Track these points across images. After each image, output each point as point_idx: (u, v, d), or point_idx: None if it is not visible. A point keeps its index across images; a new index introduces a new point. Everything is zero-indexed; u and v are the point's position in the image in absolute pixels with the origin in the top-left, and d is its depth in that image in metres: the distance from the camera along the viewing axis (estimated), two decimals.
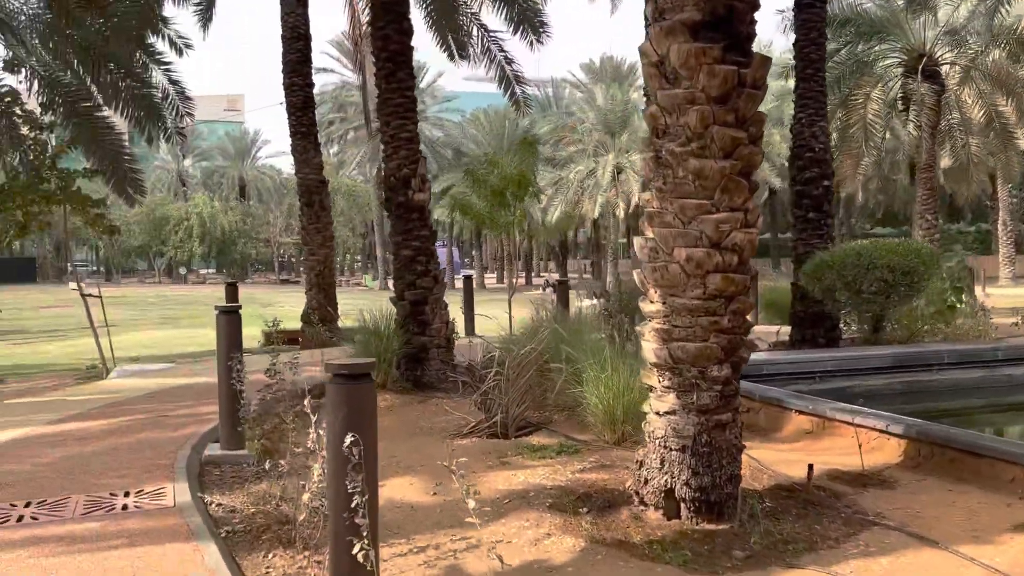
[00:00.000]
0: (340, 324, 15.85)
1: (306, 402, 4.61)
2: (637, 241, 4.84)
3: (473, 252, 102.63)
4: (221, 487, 5.92)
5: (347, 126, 58.44)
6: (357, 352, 9.21)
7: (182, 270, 71.25)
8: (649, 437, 4.82)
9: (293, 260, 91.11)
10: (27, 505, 5.23)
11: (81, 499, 5.34)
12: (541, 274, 76.09)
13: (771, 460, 5.89)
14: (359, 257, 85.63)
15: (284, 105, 15.19)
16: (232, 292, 13.43)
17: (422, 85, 58.72)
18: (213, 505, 5.46)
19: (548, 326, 9.83)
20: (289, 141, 15.38)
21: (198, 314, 32.82)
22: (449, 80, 63.44)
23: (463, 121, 60.24)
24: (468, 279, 18.41)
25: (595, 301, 37.34)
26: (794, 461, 5.91)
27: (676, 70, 4.51)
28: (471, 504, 3.42)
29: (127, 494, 5.44)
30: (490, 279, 63.70)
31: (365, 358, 8.41)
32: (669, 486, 4.67)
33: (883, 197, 56.01)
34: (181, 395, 9.41)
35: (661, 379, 4.71)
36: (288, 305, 36.78)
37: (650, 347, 4.74)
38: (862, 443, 5.73)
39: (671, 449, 4.66)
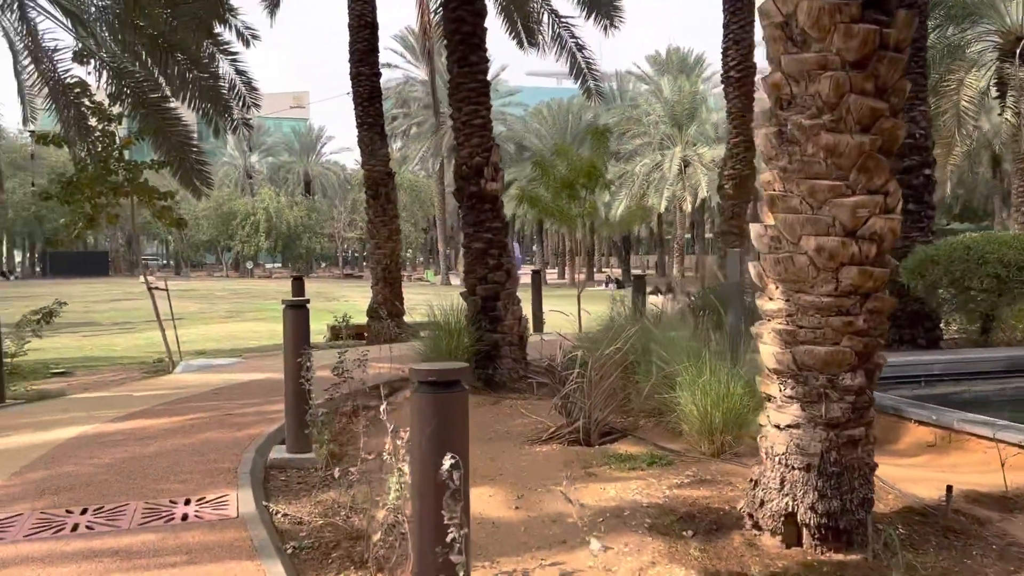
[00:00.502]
0: (406, 319, 15.51)
1: (382, 408, 4.12)
2: (754, 229, 4.25)
3: (534, 247, 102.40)
4: (287, 494, 5.51)
5: (410, 121, 58.45)
6: (427, 349, 8.77)
7: (248, 264, 72.23)
8: (767, 453, 4.23)
9: (356, 255, 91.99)
10: (83, 512, 4.88)
11: (140, 506, 4.97)
12: (602, 270, 75.28)
13: (894, 477, 5.24)
14: (420, 252, 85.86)
15: (350, 96, 14.86)
16: (299, 286, 13.14)
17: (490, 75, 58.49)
18: (279, 516, 5.04)
19: (627, 324, 9.29)
20: (355, 134, 15.09)
21: (264, 308, 32.97)
22: (511, 75, 63.00)
23: (525, 115, 59.75)
24: (536, 274, 17.88)
25: (663, 297, 36.26)
26: (920, 479, 5.25)
27: (805, 31, 3.91)
28: (595, 546, 2.89)
29: (188, 502, 5.06)
30: (551, 274, 63.13)
31: (447, 361, 7.97)
32: (790, 509, 4.08)
33: (962, 191, 53.84)
34: (247, 392, 9.10)
35: (782, 387, 4.12)
36: (352, 299, 36.84)
37: (769, 351, 4.15)
38: (1004, 460, 5.04)
39: (793, 468, 4.07)
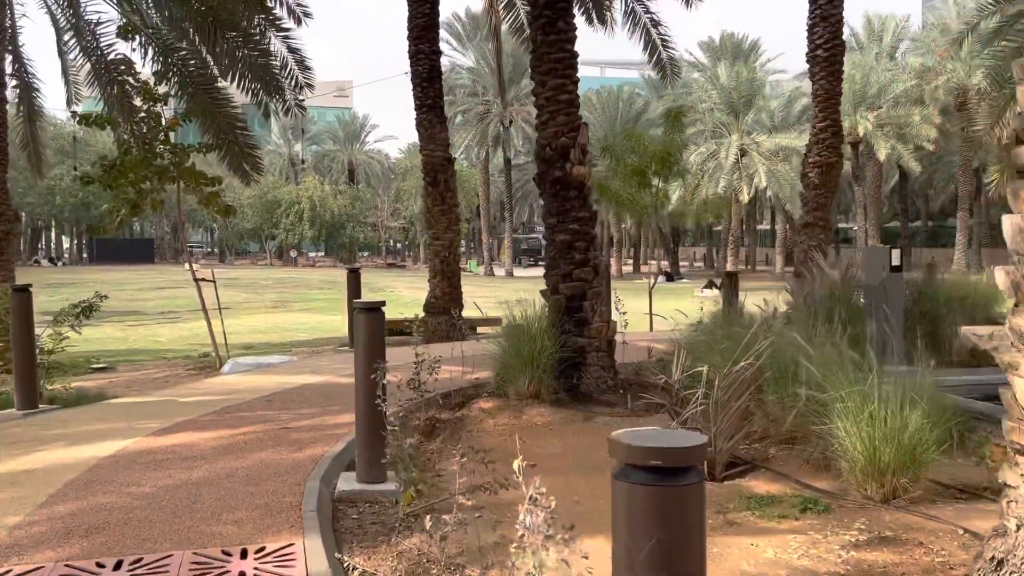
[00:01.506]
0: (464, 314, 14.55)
1: (521, 466, 3.11)
2: (1011, 222, 3.15)
3: None
4: (362, 540, 4.52)
5: (455, 109, 57.50)
6: (503, 354, 7.74)
7: (292, 253, 71.95)
8: (1020, 523, 3.14)
9: (399, 244, 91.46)
10: (117, 567, 3.94)
11: (186, 558, 4.03)
12: (647, 261, 73.80)
13: None
14: (463, 242, 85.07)
15: (408, 75, 13.88)
16: (355, 280, 12.16)
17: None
18: (355, 574, 4.07)
19: (719, 326, 8.21)
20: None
21: (310, 298, 32.30)
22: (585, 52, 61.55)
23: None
24: (606, 267, 16.69)
25: (713, 291, 34.92)
26: None
27: None
28: None
29: (244, 554, 4.09)
30: None
31: (531, 370, 6.93)
32: None
33: None
34: (302, 399, 8.16)
35: None
36: (398, 290, 36.04)
37: None
38: None
39: None
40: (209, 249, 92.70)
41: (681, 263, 63.20)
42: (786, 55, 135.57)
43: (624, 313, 9.02)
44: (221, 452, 6.06)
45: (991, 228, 57.37)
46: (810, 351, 5.53)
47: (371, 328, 5.23)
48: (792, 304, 8.83)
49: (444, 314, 13.80)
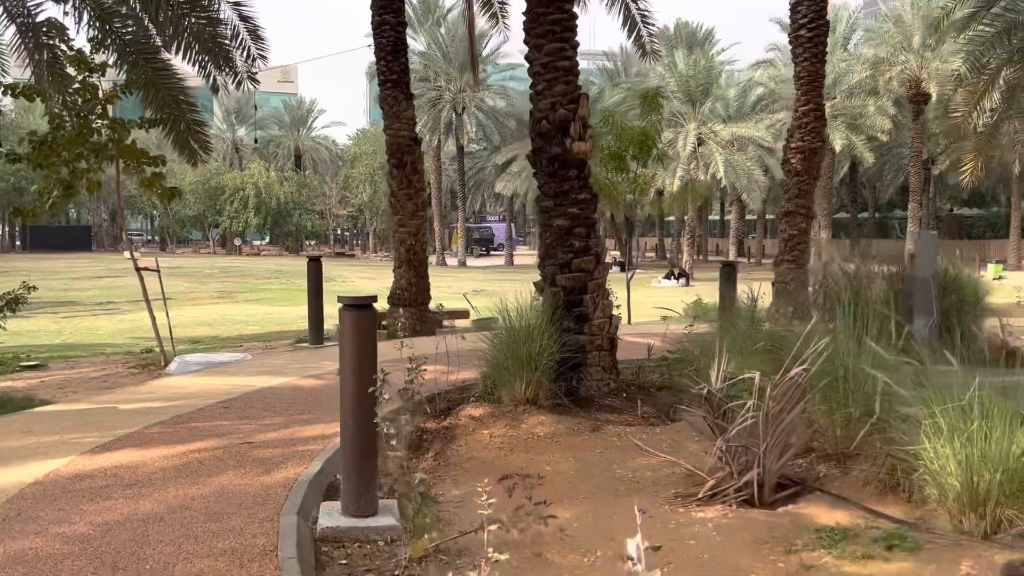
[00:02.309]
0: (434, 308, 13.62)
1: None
2: None
3: (531, 227, 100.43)
4: None
5: None
6: (497, 355, 6.83)
7: (237, 241, 69.90)
8: None
9: (347, 233, 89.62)
10: None
11: None
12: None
13: None
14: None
15: (372, 48, 12.85)
16: (316, 270, 11.05)
17: (484, 52, 56.27)
18: None
19: (717, 320, 7.47)
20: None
21: (257, 288, 30.98)
22: (509, 49, 60.66)
23: (527, 91, 57.48)
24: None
25: (674, 281, 34.22)
26: None
27: None
28: None
29: None
30: (530, 256, 60.73)
31: (526, 373, 6.05)
32: None
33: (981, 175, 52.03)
34: (264, 404, 7.16)
35: None
36: (352, 280, 34.86)
37: None
38: None
39: None
40: (149, 237, 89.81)
41: (633, 253, 62.83)
42: (740, 45, 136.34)
43: (618, 306, 8.19)
44: (173, 475, 5.06)
45: (938, 220, 58.11)
46: (884, 355, 4.73)
47: (361, 330, 4.29)
48: (803, 298, 8.08)
49: (411, 306, 12.86)
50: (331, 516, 4.37)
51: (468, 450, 5.87)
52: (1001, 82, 16.91)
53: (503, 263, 57.05)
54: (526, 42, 7.38)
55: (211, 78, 13.25)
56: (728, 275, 9.54)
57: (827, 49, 14.72)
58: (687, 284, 35.92)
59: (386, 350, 5.47)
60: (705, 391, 4.81)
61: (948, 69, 40.91)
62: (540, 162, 7.18)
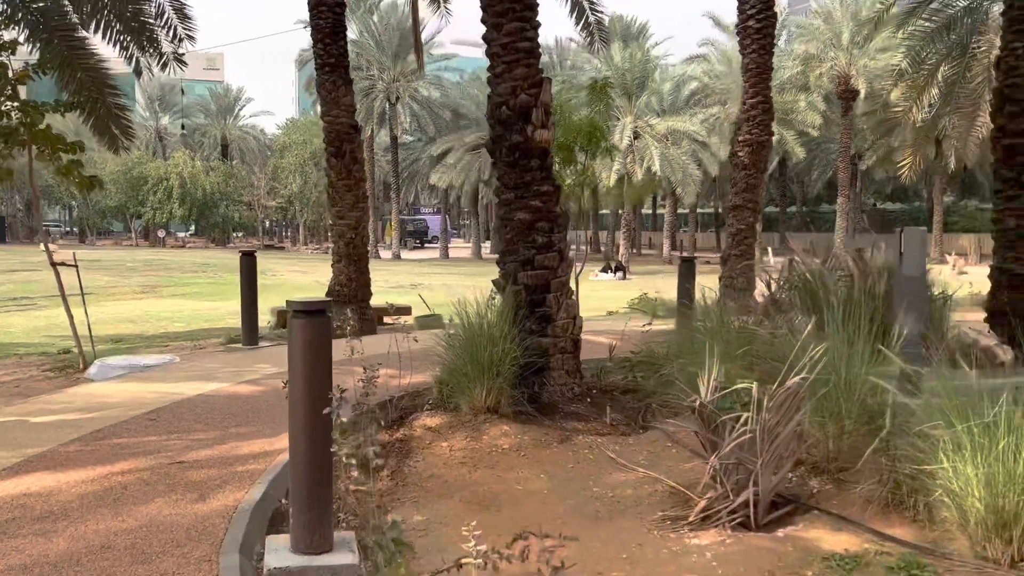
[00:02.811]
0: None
1: None
2: None
3: (466, 220, 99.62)
4: None
5: None
6: (455, 359, 6.31)
7: (160, 233, 67.60)
8: None
9: (276, 225, 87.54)
10: None
11: None
12: None
13: None
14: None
15: (308, 29, 12.14)
16: (250, 265, 10.29)
17: (424, 36, 55.28)
18: None
19: (708, 324, 7.11)
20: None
21: (183, 282, 29.73)
22: (443, 39, 59.89)
23: (463, 81, 56.86)
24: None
25: (612, 275, 34.07)
26: None
27: None
28: None
29: None
30: (465, 248, 60.33)
31: (489, 379, 5.56)
32: None
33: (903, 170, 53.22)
34: (196, 416, 6.49)
35: None
36: (282, 273, 33.82)
37: None
38: None
39: None
40: (68, 228, 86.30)
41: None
42: (673, 40, 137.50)
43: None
44: (93, 505, 4.42)
45: (862, 214, 59.43)
46: (895, 361, 4.36)
47: (315, 341, 3.73)
48: (772, 296, 7.75)
49: (352, 303, 12.22)
50: (279, 554, 3.80)
51: (427, 466, 5.34)
52: (939, 78, 16.99)
53: (438, 256, 56.34)
54: (484, 21, 6.86)
55: (134, 60, 12.38)
56: (687, 271, 9.16)
57: (775, 41, 14.53)
58: (624, 278, 35.83)
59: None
60: (696, 404, 4.37)
61: (876, 66, 41.81)
62: (499, 151, 6.67)
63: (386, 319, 13.82)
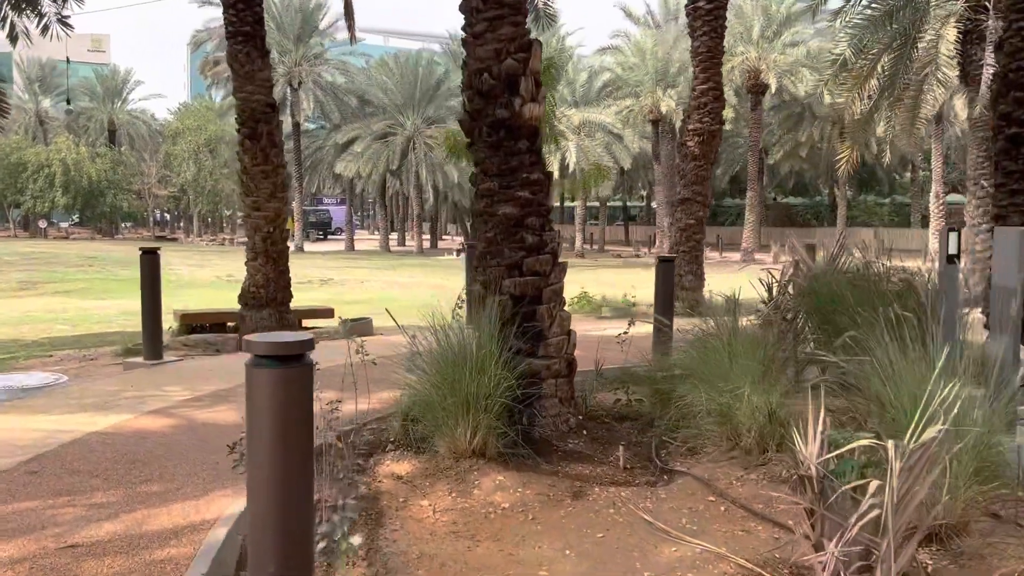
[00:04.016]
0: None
1: None
2: None
3: (369, 211, 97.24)
4: None
5: None
6: (429, 389, 5.02)
7: (42, 223, 63.10)
8: None
9: (167, 215, 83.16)
10: None
11: None
12: (443, 237, 71.70)
13: None
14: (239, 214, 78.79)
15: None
16: (152, 265, 8.56)
17: (322, 26, 53.04)
18: None
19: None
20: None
21: (68, 277, 27.23)
22: (363, 19, 57.67)
23: (369, 67, 54.84)
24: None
25: None
26: None
27: None
28: None
29: None
30: (371, 240, 58.39)
31: (475, 414, 4.39)
32: None
33: (807, 166, 54.17)
34: (92, 466, 5.01)
35: None
36: (177, 267, 31.50)
37: None
38: None
39: None
40: None
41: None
42: (584, 30, 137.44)
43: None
44: None
45: (766, 208, 60.20)
46: None
47: (290, 399, 2.42)
48: (776, 303, 6.73)
49: (269, 307, 10.74)
50: None
51: (410, 540, 4.06)
52: (880, 68, 16.52)
53: (343, 248, 54.29)
54: None
55: (8, 24, 10.55)
56: (666, 272, 8.09)
57: (726, 24, 13.69)
58: None
59: (240, 369, 3.59)
60: (805, 469, 3.24)
61: (786, 61, 42.13)
62: (478, 129, 5.42)
63: (305, 323, 12.37)
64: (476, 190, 5.56)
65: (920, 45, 15.62)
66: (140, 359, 8.67)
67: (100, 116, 70.04)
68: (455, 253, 48.78)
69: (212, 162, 61.15)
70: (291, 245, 41.16)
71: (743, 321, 6.34)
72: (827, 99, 42.44)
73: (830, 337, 6.32)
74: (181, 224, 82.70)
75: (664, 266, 8.02)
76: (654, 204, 45.99)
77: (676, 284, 13.38)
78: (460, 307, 6.51)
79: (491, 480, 4.67)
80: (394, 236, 64.02)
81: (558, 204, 78.22)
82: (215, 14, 54.64)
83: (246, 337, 2.59)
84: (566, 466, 5.01)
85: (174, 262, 33.96)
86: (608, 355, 7.05)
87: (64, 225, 73.71)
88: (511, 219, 5.37)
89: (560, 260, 5.62)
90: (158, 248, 8.56)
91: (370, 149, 48.47)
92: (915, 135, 18.18)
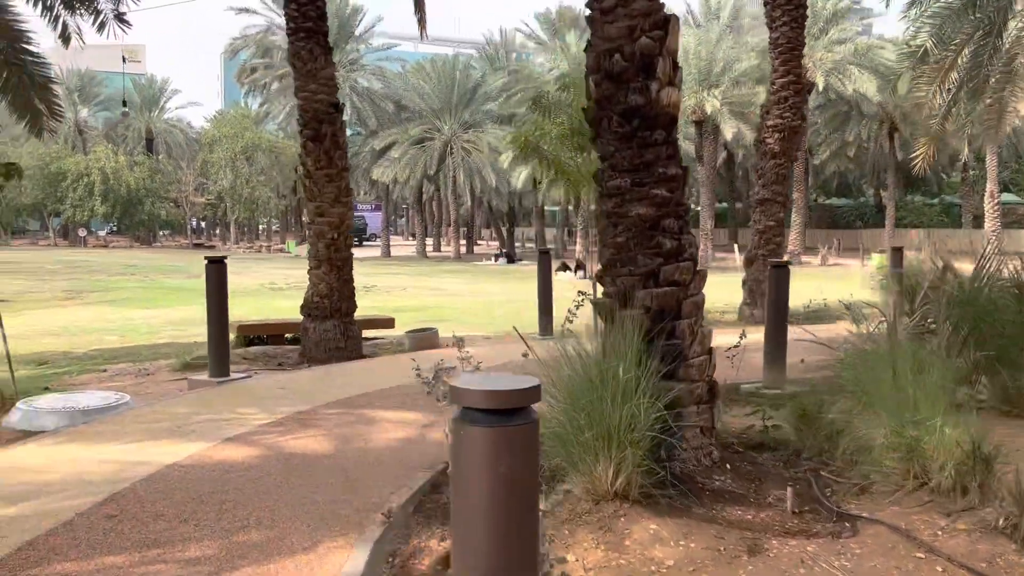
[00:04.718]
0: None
1: None
2: None
3: (402, 216, 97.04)
4: None
5: (272, 74, 52.14)
6: (563, 418, 4.34)
7: (81, 232, 63.48)
8: None
9: (204, 223, 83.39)
10: None
11: None
12: (477, 242, 71.14)
13: None
14: (276, 221, 78.89)
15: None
16: (219, 278, 7.91)
17: (358, 32, 52.76)
18: None
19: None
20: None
21: (111, 286, 26.94)
22: (392, 26, 57.34)
23: (405, 72, 54.42)
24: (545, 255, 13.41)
25: (572, 275, 32.28)
26: None
27: None
28: None
29: None
30: (406, 247, 57.83)
31: (616, 452, 3.66)
32: None
33: (853, 166, 52.90)
34: (177, 507, 4.38)
35: None
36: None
37: None
38: None
39: None
40: None
41: (516, 244, 60.74)
42: None
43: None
44: None
45: (809, 210, 58.95)
46: None
47: (511, 467, 1.76)
48: (922, 315, 5.98)
49: (333, 318, 10.14)
50: None
51: None
52: (961, 60, 15.62)
53: (379, 254, 53.87)
54: None
55: (59, 23, 10.06)
56: (780, 279, 7.34)
57: (807, 13, 12.92)
58: (585, 277, 34.13)
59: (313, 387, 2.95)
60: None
61: (833, 59, 41.08)
62: (607, 119, 4.73)
63: (367, 334, 11.77)
64: (601, 188, 4.87)
65: (1006, 35, 14.73)
66: (204, 376, 8.08)
67: (137, 125, 70.40)
68: (493, 258, 48.21)
69: (248, 169, 61.13)
70: None
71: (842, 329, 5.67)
72: (875, 97, 41.71)
73: (995, 351, 5.59)
74: (217, 231, 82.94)
75: (778, 272, 7.27)
76: (698, 207, 44.92)
77: (755, 291, 12.64)
78: (570, 320, 5.85)
79: (643, 529, 3.97)
80: (429, 241, 63.53)
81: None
82: (251, 21, 54.85)
83: (452, 384, 1.92)
84: (722, 509, 4.30)
85: None
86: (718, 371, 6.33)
87: (102, 233, 74.21)
88: (646, 221, 4.68)
89: (703, 270, 4.91)
90: (224, 257, 7.96)
91: (407, 155, 48.06)
92: (1001, 132, 17.25)
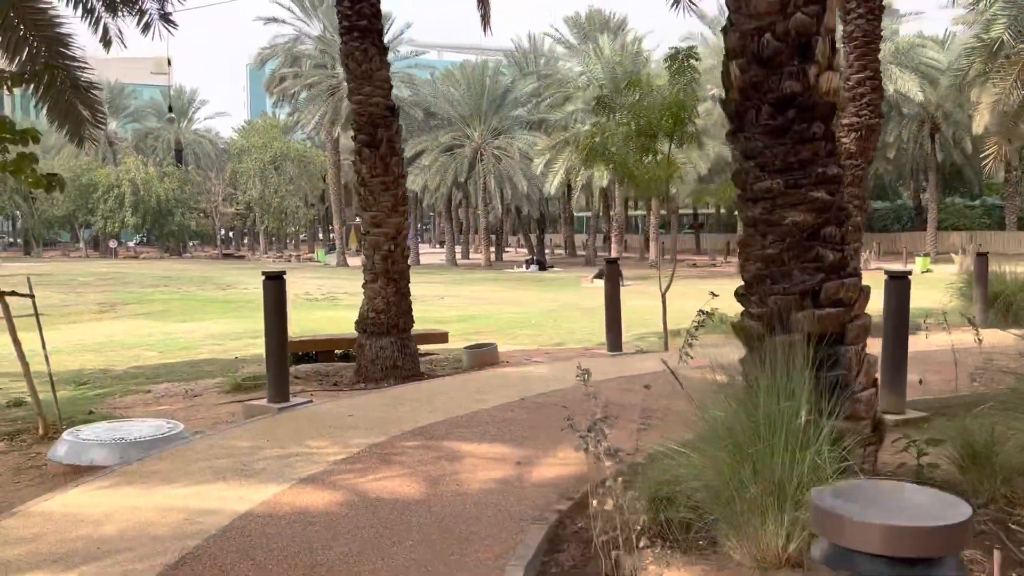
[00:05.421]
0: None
1: None
2: None
3: (427, 224, 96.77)
4: None
5: (301, 83, 51.84)
6: (723, 467, 3.63)
7: (112, 243, 63.57)
8: None
9: (233, 233, 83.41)
10: None
11: None
12: (505, 248, 70.42)
13: None
14: (305, 231, 78.69)
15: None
16: (278, 295, 7.27)
17: (387, 38, 52.41)
18: None
19: None
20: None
21: (146, 298, 26.54)
22: (416, 34, 57.12)
23: (435, 79, 53.98)
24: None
25: (603, 281, 31.35)
26: None
27: None
28: None
29: None
30: (435, 255, 57.22)
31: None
32: None
33: (891, 167, 51.71)
34: (263, 573, 3.72)
35: None
36: (250, 287, 30.71)
37: None
38: None
39: None
40: (12, 239, 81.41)
41: (545, 250, 59.97)
42: (655, 33, 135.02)
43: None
44: None
45: None
46: None
47: None
48: None
49: (390, 335, 9.49)
50: None
51: None
52: None
53: (409, 262, 53.27)
54: None
55: (100, 25, 9.51)
56: (900, 291, 6.58)
57: (883, 4, 12.14)
58: (622, 284, 33.25)
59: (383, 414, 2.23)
60: None
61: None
62: (755, 110, 4.03)
63: (421, 349, 11.11)
64: (745, 192, 4.17)
65: None
66: (262, 401, 7.44)
67: (167, 136, 70.55)
68: (525, 265, 47.48)
69: (277, 179, 60.94)
70: (357, 260, 40.24)
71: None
72: (918, 96, 40.59)
73: None
74: (246, 241, 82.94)
75: (897, 284, 6.51)
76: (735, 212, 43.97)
77: None
78: (690, 344, 5.15)
79: None
80: (457, 249, 62.96)
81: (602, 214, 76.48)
82: (279, 31, 54.57)
83: (818, 505, 1.24)
84: None
85: (244, 280, 33.31)
86: None
87: (132, 244, 74.41)
88: (803, 229, 3.97)
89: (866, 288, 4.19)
90: (283, 272, 7.30)
91: (437, 162, 47.58)
92: None
